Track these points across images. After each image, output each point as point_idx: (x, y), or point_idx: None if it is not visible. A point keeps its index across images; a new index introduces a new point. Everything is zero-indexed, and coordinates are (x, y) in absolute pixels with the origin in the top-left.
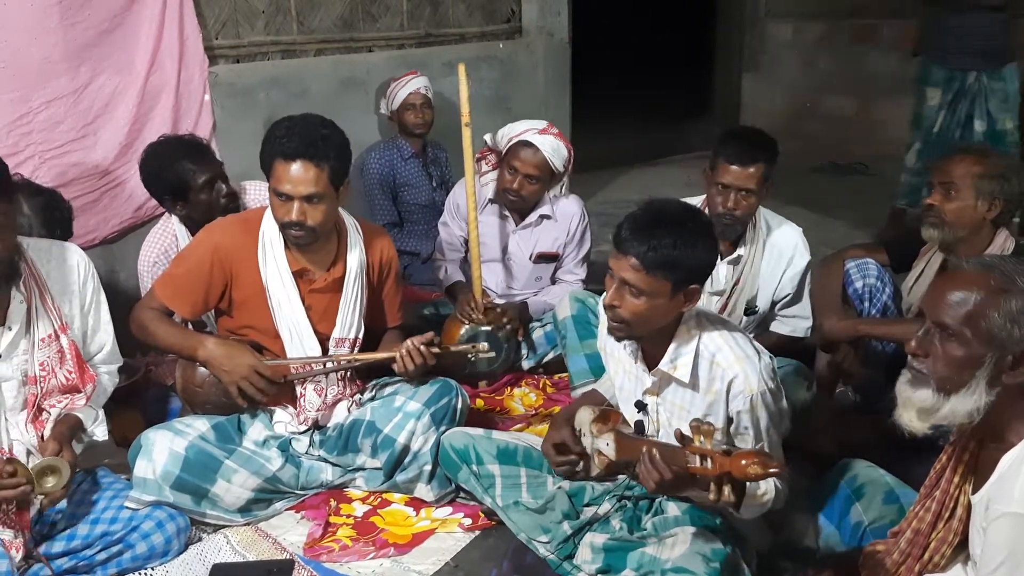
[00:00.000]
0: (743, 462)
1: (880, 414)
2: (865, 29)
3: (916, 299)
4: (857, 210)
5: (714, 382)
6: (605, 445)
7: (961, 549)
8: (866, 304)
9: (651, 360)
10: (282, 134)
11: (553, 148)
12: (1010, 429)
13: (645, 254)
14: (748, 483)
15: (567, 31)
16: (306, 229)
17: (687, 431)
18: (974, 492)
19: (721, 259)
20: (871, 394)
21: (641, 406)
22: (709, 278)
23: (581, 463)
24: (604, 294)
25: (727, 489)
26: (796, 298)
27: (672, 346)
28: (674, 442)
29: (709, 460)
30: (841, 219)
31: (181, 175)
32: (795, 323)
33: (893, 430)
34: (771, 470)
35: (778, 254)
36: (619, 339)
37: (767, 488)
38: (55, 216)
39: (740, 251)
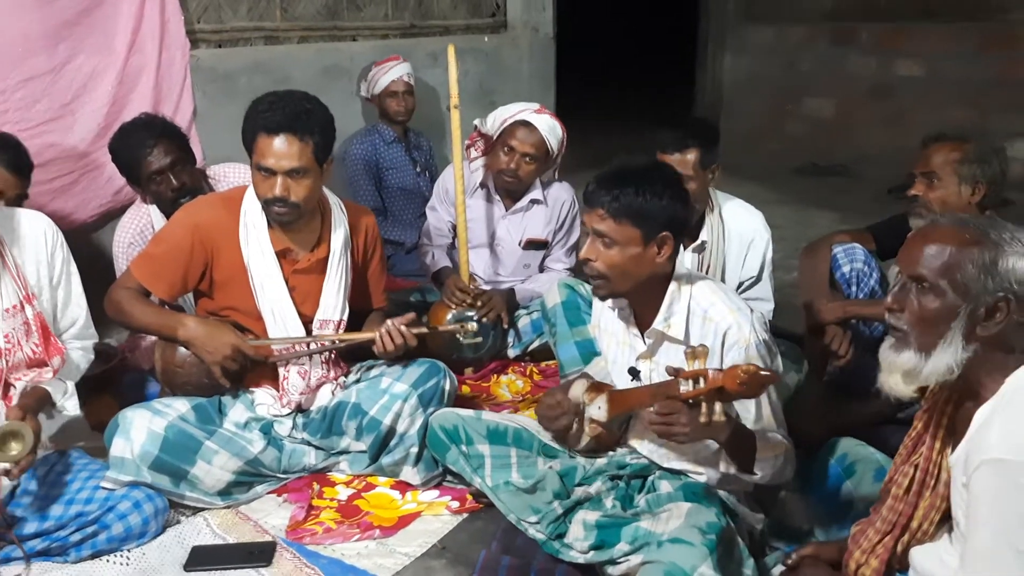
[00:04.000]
0: (735, 371)
1: (869, 396)
2: (844, 32)
3: None
4: (838, 210)
5: (707, 337)
6: (597, 409)
7: (947, 518)
8: (853, 288)
9: (644, 324)
10: (265, 108)
11: (550, 127)
12: (985, 385)
13: (610, 203)
14: (757, 438)
15: (552, 27)
16: (289, 205)
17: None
18: (953, 453)
19: (684, 248)
20: (860, 376)
21: (634, 372)
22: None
23: (575, 423)
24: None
25: (718, 407)
26: (758, 279)
27: (664, 304)
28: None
29: (702, 380)
30: (823, 218)
31: (135, 160)
32: (758, 306)
33: (882, 411)
34: (763, 373)
35: (738, 238)
36: (602, 297)
37: (777, 440)
38: (21, 148)
39: (703, 237)
